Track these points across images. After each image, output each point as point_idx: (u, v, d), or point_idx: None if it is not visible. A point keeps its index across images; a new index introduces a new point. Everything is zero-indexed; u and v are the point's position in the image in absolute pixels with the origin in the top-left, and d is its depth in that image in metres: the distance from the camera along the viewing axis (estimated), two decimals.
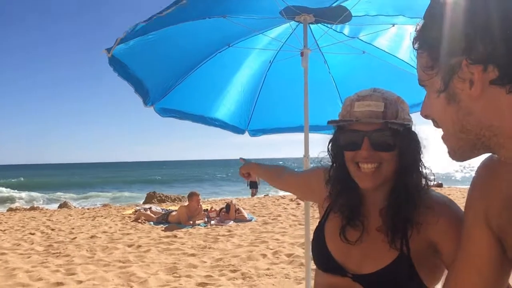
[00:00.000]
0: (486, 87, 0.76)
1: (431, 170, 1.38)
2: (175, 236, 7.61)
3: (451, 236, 1.21)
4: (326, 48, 3.23)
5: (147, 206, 11.91)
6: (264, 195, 16.62)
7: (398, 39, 3.07)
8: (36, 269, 5.29)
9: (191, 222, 8.84)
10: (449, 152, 0.89)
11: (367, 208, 1.40)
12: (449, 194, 13.14)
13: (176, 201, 16.45)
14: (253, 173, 2.12)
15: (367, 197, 1.41)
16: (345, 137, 1.33)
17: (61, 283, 4.49)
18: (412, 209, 1.28)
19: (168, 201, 16.88)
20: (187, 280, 4.64)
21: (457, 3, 0.78)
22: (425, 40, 0.84)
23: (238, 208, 9.80)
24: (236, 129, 3.68)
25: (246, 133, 3.75)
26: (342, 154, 1.36)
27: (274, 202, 13.37)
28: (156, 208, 11.11)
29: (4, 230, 9.00)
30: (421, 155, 1.34)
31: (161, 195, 18.00)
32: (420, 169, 1.33)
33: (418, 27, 0.87)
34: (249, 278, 4.63)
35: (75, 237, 7.76)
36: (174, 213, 9.33)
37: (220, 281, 4.52)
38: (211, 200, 15.98)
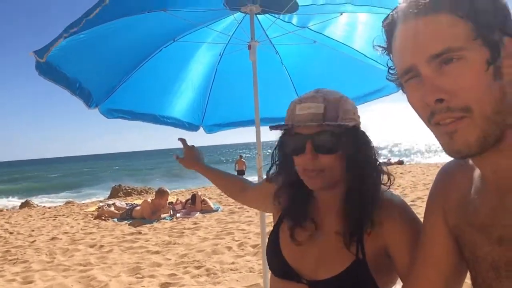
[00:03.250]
0: None
1: (387, 169, 1.35)
2: (140, 233, 7.45)
3: (402, 238, 1.20)
4: (277, 39, 3.12)
5: (110, 202, 11.65)
6: None
7: (350, 28, 3.00)
8: None
9: (156, 216, 8.68)
10: (469, 140, 0.75)
11: (321, 210, 1.37)
12: (409, 171, 13.57)
13: (143, 194, 16.21)
14: (193, 167, 2.02)
15: (321, 199, 1.38)
16: (289, 141, 1.30)
17: None
18: (366, 211, 1.24)
19: (134, 193, 16.60)
20: (150, 281, 4.52)
21: None
22: (471, 8, 0.74)
23: (204, 199, 9.70)
24: (190, 126, 3.54)
25: (201, 130, 3.63)
26: (290, 157, 1.31)
27: None
28: (120, 203, 10.88)
29: None
30: (373, 154, 1.30)
31: (127, 188, 17.68)
32: (373, 168, 1.29)
33: None
34: (213, 275, 4.56)
35: (34, 240, 7.48)
36: (138, 208, 9.13)
37: (183, 280, 4.43)
38: (177, 192, 15.79)
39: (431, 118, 0.79)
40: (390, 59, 0.91)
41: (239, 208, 9.48)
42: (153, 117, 3.25)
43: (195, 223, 8.02)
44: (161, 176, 33.70)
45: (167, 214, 8.91)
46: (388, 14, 0.88)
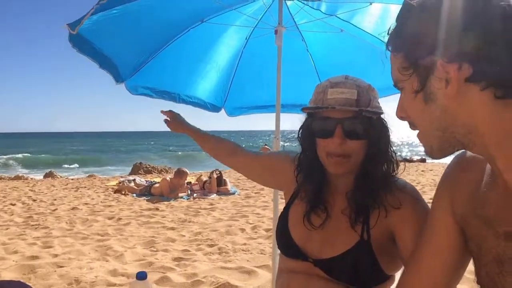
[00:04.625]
0: (462, 85, 0.78)
1: (401, 157, 1.39)
2: (157, 209, 7.62)
3: (410, 225, 1.23)
4: (304, 26, 3.14)
5: (131, 178, 11.88)
6: None
7: (380, 20, 2.99)
8: (13, 241, 5.26)
9: (174, 194, 8.84)
10: (426, 150, 0.92)
11: (332, 193, 1.41)
12: (431, 170, 13.38)
13: (163, 172, 16.44)
14: (176, 127, 2.01)
15: (333, 183, 1.41)
16: (317, 124, 1.32)
17: (36, 257, 4.46)
18: (377, 196, 1.28)
19: (154, 172, 16.86)
20: (163, 255, 4.65)
21: (426, 4, 0.81)
22: (400, 41, 0.87)
23: (225, 180, 9.78)
24: (212, 107, 3.60)
25: (223, 112, 3.68)
26: (314, 140, 1.35)
27: None
28: (140, 180, 11.09)
29: None
30: (391, 143, 1.34)
31: (148, 166, 17.95)
32: (390, 157, 1.33)
33: (391, 30, 0.89)
34: (225, 253, 4.66)
35: (56, 209, 7.73)
36: (157, 185, 9.31)
37: (196, 256, 4.54)
38: (196, 173, 15.94)
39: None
40: None
41: (255, 193, 9.57)
42: (177, 95, 3.31)
43: (211, 204, 8.14)
44: (184, 157, 34.01)
45: (185, 194, 9.06)
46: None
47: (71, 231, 5.92)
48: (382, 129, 1.31)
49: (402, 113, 0.94)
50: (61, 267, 4.09)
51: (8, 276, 3.73)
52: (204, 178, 10.11)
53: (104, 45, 2.64)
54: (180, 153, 39.11)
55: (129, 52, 2.91)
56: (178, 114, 2.02)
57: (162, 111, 2.05)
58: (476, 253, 0.92)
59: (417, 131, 0.93)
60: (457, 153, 1.08)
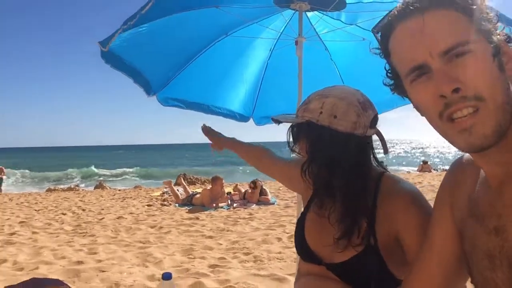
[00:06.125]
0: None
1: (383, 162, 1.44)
2: (197, 218, 7.82)
3: (414, 226, 1.24)
4: (326, 35, 3.21)
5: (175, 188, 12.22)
6: None
7: None
8: (62, 247, 5.59)
9: (214, 204, 9.03)
10: (482, 136, 0.78)
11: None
12: None
13: (206, 183, 16.75)
14: (217, 145, 2.15)
15: None
16: None
17: (81, 262, 4.72)
18: (369, 200, 1.33)
19: (198, 183, 17.22)
20: (200, 262, 4.78)
21: None
22: (470, 4, 0.79)
23: (265, 189, 9.88)
24: (241, 117, 3.73)
25: (251, 121, 3.80)
26: None
27: None
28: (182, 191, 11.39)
29: (39, 210, 9.51)
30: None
31: (191, 177, 18.37)
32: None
33: None
34: (259, 261, 4.73)
35: (103, 218, 8.11)
36: (198, 195, 9.55)
37: (231, 264, 4.65)
38: (237, 183, 16.12)
39: (444, 111, 0.79)
40: (387, 62, 0.93)
41: (294, 203, 9.57)
42: (206, 107, 3.47)
43: (250, 214, 8.25)
44: (226, 167, 34.47)
45: (225, 204, 9.24)
46: (383, 17, 0.90)
47: (115, 238, 6.21)
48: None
49: (457, 83, 0.76)
50: (103, 271, 4.32)
51: None
52: (242, 189, 10.25)
53: (135, 61, 2.83)
54: (220, 161, 39.68)
55: (158, 66, 3.09)
56: (211, 129, 2.19)
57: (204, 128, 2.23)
58: (470, 252, 0.93)
59: (469, 112, 0.77)
60: (455, 160, 1.10)
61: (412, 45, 0.81)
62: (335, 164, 1.31)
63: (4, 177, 21.23)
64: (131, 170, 36.55)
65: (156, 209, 9.20)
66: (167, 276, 1.52)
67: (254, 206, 9.21)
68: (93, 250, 5.40)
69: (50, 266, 4.60)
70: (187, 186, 10.94)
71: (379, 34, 0.92)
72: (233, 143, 2.09)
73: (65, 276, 4.17)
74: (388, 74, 0.95)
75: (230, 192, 10.10)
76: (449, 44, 0.77)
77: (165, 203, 9.91)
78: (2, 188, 17.67)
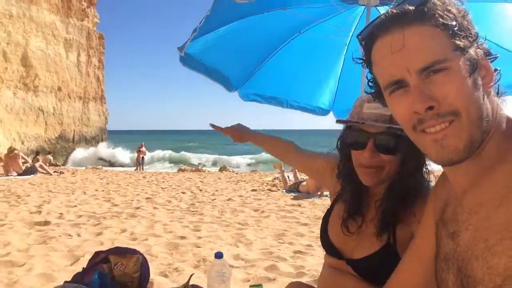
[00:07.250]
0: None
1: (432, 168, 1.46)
2: (299, 205, 8.05)
3: None
4: None
5: (286, 174, 12.61)
6: None
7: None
8: (172, 223, 6.30)
9: (319, 193, 9.17)
10: (458, 147, 0.81)
11: (367, 200, 1.54)
12: None
13: None
14: (245, 139, 2.19)
15: (369, 190, 1.53)
16: (351, 136, 1.44)
17: (184, 237, 5.32)
18: (406, 205, 1.38)
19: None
20: (287, 247, 5.01)
21: None
22: (449, 20, 0.80)
23: None
24: (321, 110, 3.84)
25: (331, 115, 3.88)
26: (349, 151, 1.48)
27: None
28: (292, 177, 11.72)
29: (164, 188, 10.67)
30: (422, 158, 1.38)
31: None
32: (420, 169, 1.40)
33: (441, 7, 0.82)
34: None
35: (215, 199, 8.82)
36: (304, 182, 9.76)
37: (314, 251, 4.79)
38: None
39: (418, 126, 0.83)
40: (370, 71, 0.96)
41: None
42: (284, 101, 3.65)
43: None
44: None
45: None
46: (366, 26, 0.92)
47: (219, 218, 6.77)
48: (413, 144, 1.39)
49: (431, 102, 0.79)
50: (198, 247, 4.83)
51: (156, 250, 4.61)
52: None
53: (214, 61, 3.14)
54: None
55: (237, 65, 3.37)
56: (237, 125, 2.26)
57: (211, 125, 2.26)
58: (435, 255, 0.98)
59: (445, 126, 0.80)
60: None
61: (391, 61, 0.84)
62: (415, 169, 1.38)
63: (145, 156, 24.11)
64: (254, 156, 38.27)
65: (264, 193, 9.68)
66: (219, 255, 1.69)
67: None
68: (197, 228, 5.99)
69: (157, 238, 5.27)
70: (297, 172, 11.20)
71: (364, 43, 0.93)
72: (257, 137, 2.15)
73: (166, 248, 4.76)
74: (370, 83, 0.98)
75: None
76: (427, 62, 0.79)
77: (273, 188, 10.32)
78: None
